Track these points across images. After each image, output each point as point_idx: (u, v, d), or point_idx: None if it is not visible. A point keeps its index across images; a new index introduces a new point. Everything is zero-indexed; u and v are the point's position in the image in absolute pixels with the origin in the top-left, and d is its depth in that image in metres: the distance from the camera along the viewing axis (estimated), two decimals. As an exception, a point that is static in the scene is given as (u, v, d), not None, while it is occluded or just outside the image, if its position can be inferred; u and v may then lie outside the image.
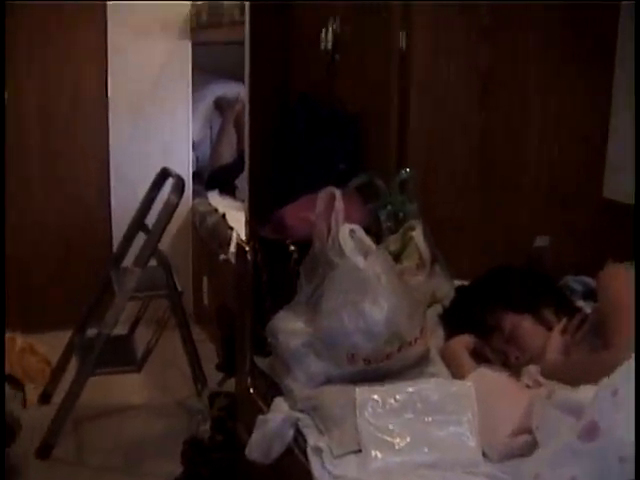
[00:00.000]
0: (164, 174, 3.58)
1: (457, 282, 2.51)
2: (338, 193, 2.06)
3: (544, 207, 2.79)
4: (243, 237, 3.83)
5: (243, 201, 4.67)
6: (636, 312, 1.78)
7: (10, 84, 4.46)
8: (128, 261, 3.68)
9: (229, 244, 3.98)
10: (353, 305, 2.00)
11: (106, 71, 4.69)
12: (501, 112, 2.70)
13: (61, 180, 4.73)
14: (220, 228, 4.25)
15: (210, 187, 5.00)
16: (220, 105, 5.39)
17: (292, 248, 2.25)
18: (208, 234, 4.43)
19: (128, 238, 3.65)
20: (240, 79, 5.31)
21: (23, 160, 4.64)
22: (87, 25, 4.63)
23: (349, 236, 2.03)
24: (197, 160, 5.23)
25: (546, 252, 2.78)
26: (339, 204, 2.04)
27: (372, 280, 2.01)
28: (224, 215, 4.33)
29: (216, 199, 4.81)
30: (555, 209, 2.80)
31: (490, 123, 2.70)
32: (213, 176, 5.10)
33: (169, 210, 3.16)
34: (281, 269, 2.30)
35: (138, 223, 3.58)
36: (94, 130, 4.74)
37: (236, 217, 4.32)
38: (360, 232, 2.09)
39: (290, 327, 2.12)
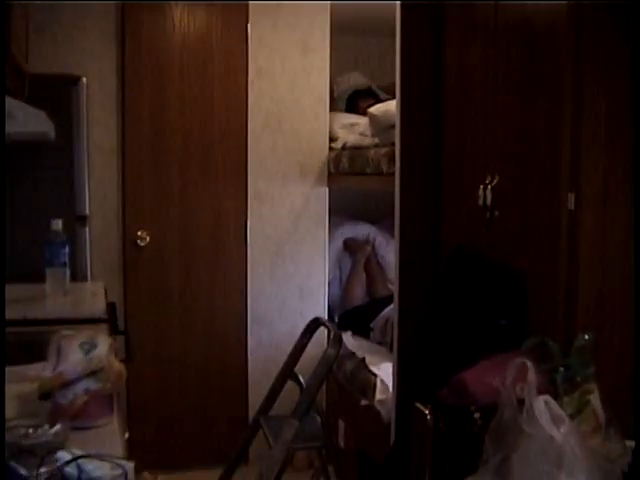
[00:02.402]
0: (316, 323, 3.62)
1: (628, 442, 2.47)
2: (530, 365, 2.07)
3: None
4: (388, 384, 3.85)
5: (379, 343, 4.72)
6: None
7: (156, 228, 4.65)
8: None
9: (374, 390, 3.99)
10: (550, 477, 1.99)
11: (245, 215, 4.84)
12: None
13: (199, 319, 4.85)
14: (360, 373, 4.27)
15: (342, 328, 5.04)
16: (349, 246, 5.48)
17: (476, 415, 2.25)
18: (346, 378, 4.45)
19: (277, 386, 3.68)
20: (369, 221, 5.45)
21: (164, 300, 4.78)
22: (229, 170, 4.81)
23: (544, 408, 2.03)
24: (328, 300, 5.30)
25: None
26: (532, 376, 2.06)
27: (568, 452, 2.01)
28: (364, 359, 4.35)
29: (350, 341, 4.83)
30: None
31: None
32: (346, 317, 5.15)
33: (327, 364, 3.19)
34: (462, 435, 2.30)
35: (288, 371, 3.62)
36: (233, 272, 4.88)
37: (373, 361, 4.36)
38: (552, 403, 2.08)
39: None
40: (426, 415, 2.39)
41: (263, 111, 4.87)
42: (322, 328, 3.65)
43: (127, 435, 3.98)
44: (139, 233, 4.70)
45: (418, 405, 2.48)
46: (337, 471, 3.53)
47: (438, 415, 2.35)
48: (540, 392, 2.17)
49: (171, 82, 4.69)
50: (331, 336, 3.28)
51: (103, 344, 1.88)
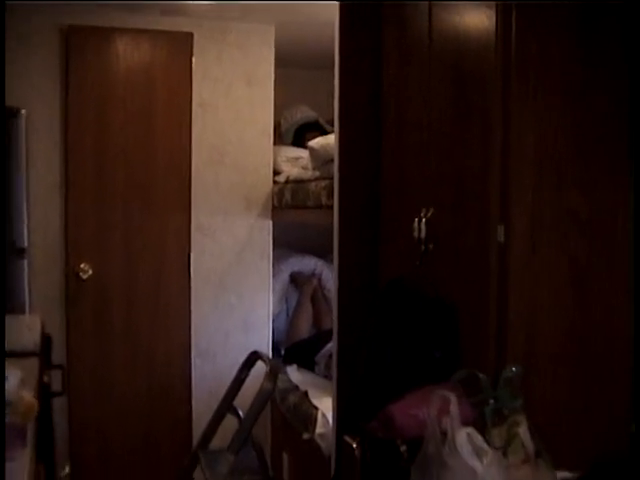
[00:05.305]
0: (254, 356, 3.60)
1: (559, 474, 2.47)
2: (454, 398, 2.07)
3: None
4: (329, 418, 3.83)
5: (324, 377, 4.70)
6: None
7: (98, 260, 4.60)
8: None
9: (314, 424, 3.96)
10: (471, 510, 1.98)
11: (189, 248, 4.81)
12: (598, 303, 2.69)
13: (142, 353, 4.81)
14: (303, 406, 4.24)
15: (288, 361, 5.03)
16: (295, 279, 5.47)
17: (403, 448, 2.24)
18: (289, 411, 4.42)
19: (216, 419, 3.65)
20: (315, 254, 5.45)
21: (106, 333, 4.73)
22: (172, 202, 4.79)
23: (466, 440, 2.02)
24: (273, 333, 5.28)
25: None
26: (454, 409, 2.05)
27: (489, 485, 2.00)
28: (306, 393, 4.33)
29: (295, 374, 4.82)
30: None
31: (587, 314, 2.69)
32: (291, 351, 5.13)
33: (264, 397, 3.18)
34: (389, 468, 2.28)
35: (227, 405, 3.59)
36: (177, 305, 4.85)
37: (316, 394, 4.34)
38: (475, 435, 2.08)
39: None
40: (354, 448, 2.37)
41: (207, 144, 4.88)
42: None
43: (68, 470, 3.94)
44: (81, 266, 4.65)
45: (346, 438, 2.47)
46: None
47: (365, 448, 2.34)
48: (465, 424, 2.17)
49: (114, 114, 4.68)
50: (267, 370, 3.26)
51: (14, 377, 1.85)
